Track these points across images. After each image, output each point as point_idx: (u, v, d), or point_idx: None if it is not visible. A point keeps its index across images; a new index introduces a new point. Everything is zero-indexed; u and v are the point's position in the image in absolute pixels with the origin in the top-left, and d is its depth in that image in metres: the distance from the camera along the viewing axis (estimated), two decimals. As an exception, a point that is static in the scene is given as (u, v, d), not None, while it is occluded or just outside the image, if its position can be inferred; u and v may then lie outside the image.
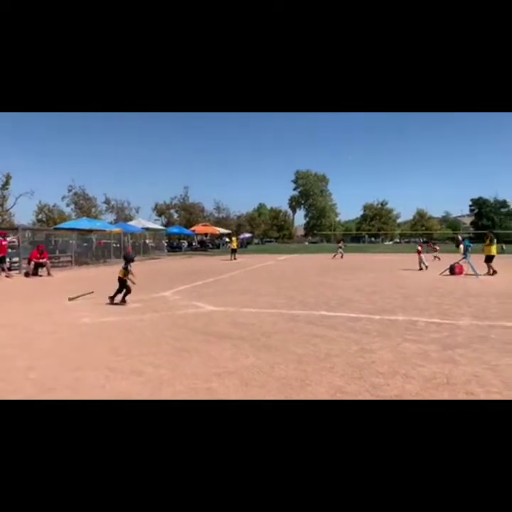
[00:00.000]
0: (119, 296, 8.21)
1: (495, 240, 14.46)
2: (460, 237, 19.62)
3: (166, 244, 36.37)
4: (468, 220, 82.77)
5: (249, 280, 13.29)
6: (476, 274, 13.10)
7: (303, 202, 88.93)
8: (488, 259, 13.83)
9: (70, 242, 21.24)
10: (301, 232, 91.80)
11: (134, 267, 8.43)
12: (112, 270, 18.29)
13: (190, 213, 59.73)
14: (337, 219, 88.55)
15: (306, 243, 73.71)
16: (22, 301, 9.18)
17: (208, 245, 44.84)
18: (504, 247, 14.87)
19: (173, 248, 39.79)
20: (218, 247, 45.70)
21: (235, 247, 26.21)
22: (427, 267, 16.01)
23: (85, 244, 23.06)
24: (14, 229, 20.18)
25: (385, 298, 9.01)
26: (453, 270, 13.93)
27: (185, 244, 45.28)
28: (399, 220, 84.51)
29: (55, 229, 26.24)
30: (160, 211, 61.83)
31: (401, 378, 3.88)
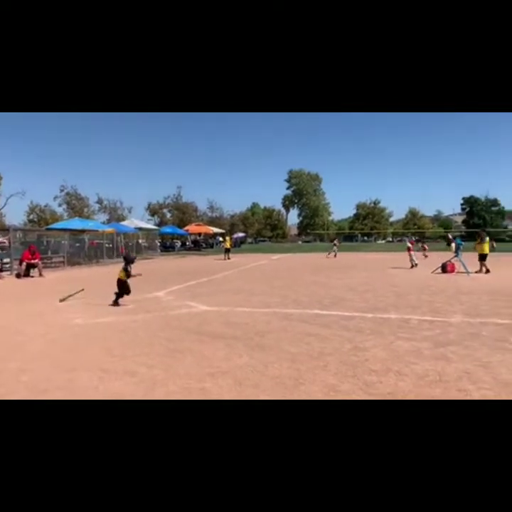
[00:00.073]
0: (126, 297, 8.15)
1: (487, 239, 14.53)
2: (450, 236, 19.78)
3: (159, 244, 36.23)
4: (460, 219, 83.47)
5: (242, 279, 13.29)
6: (468, 272, 13.22)
7: (296, 201, 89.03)
8: (482, 257, 13.95)
9: (62, 242, 21.09)
10: (294, 231, 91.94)
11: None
12: (105, 270, 18.25)
13: (184, 213, 59.61)
14: (330, 218, 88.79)
15: (300, 242, 73.80)
16: (13, 302, 9.10)
17: (201, 245, 44.73)
18: (495, 245, 14.97)
19: (167, 248, 39.67)
20: (212, 247, 45.63)
21: (229, 246, 26.19)
22: (416, 264, 16.16)
23: (78, 245, 22.91)
24: (5, 230, 20.04)
25: (378, 296, 9.06)
26: (445, 268, 14.04)
27: (178, 244, 45.16)
28: (391, 219, 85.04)
29: (47, 229, 26.05)
30: (153, 211, 61.64)
31: (394, 376, 3.91)
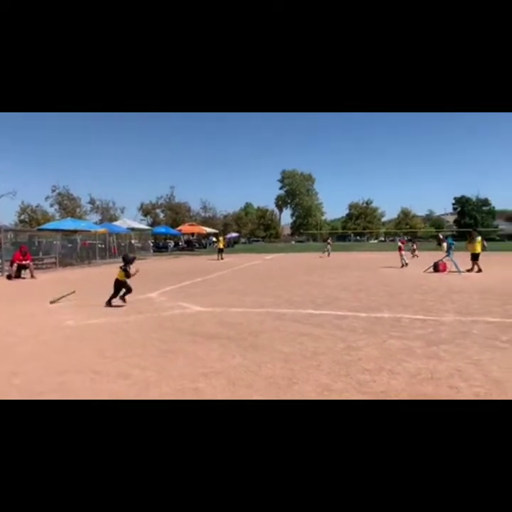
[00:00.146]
0: (114, 299, 8.09)
1: (478, 238, 14.61)
2: (441, 236, 19.94)
3: (151, 244, 36.10)
4: (451, 219, 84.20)
5: (236, 280, 13.28)
6: (459, 271, 13.34)
7: (289, 201, 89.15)
8: (474, 257, 14.07)
9: (54, 243, 20.93)
10: (287, 231, 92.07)
11: (137, 264, 8.37)
12: (98, 271, 18.15)
13: (177, 213, 59.46)
14: (323, 218, 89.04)
15: (293, 242, 73.94)
16: (4, 304, 9.01)
17: (194, 245, 44.65)
18: (486, 244, 15.09)
19: (159, 248, 39.51)
20: (205, 247, 45.56)
21: (222, 246, 26.16)
22: (406, 264, 16.29)
23: (70, 245, 22.76)
24: (-4, 230, 19.77)
25: (371, 296, 9.11)
26: (437, 268, 14.16)
27: (171, 244, 45.00)
28: (384, 219, 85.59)
29: (39, 230, 25.82)
30: (146, 211, 61.41)
31: (387, 374, 3.94)
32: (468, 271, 13.78)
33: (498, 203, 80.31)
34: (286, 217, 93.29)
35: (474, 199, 77.04)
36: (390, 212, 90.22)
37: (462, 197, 78.21)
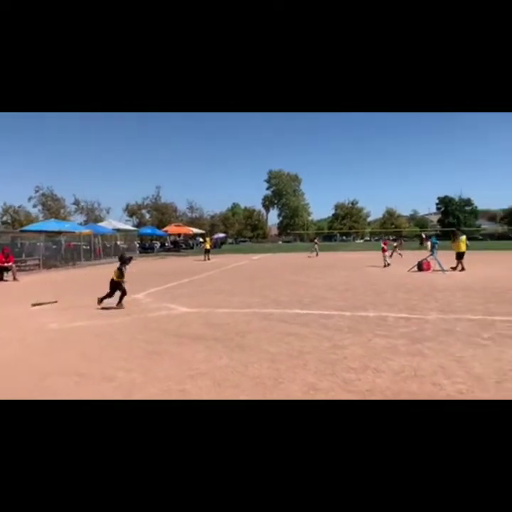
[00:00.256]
0: (108, 300, 7.98)
1: (463, 237, 14.83)
2: (424, 235, 20.25)
3: (137, 245, 35.77)
4: (435, 218, 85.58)
5: (223, 280, 13.26)
6: (443, 270, 13.56)
7: (276, 201, 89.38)
8: (458, 255, 14.31)
9: (38, 244, 20.58)
10: (274, 231, 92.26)
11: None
12: (83, 273, 17.90)
13: (163, 213, 59.06)
14: (310, 218, 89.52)
15: (280, 242, 74.10)
16: (-15, 307, 8.81)
17: (181, 246, 44.37)
18: (468, 243, 15.36)
19: (145, 249, 39.17)
20: (192, 248, 45.30)
21: (209, 247, 26.08)
22: (388, 264, 16.51)
23: (54, 247, 22.39)
24: (-24, 232, 19.34)
25: (357, 295, 9.19)
26: (420, 266, 14.37)
27: (157, 245, 44.63)
28: (369, 219, 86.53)
29: (22, 231, 25.38)
30: (131, 212, 60.87)
31: (372, 373, 3.98)
32: (452, 269, 14.02)
33: (481, 203, 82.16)
34: (273, 218, 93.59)
35: (457, 199, 78.47)
36: (375, 212, 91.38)
37: (445, 197, 79.59)
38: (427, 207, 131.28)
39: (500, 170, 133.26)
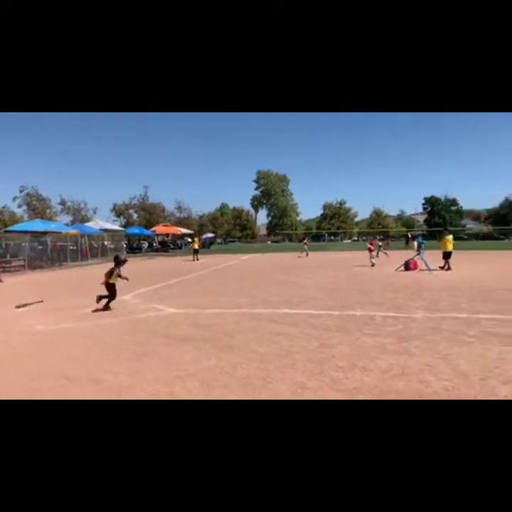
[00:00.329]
0: (103, 301, 7.89)
1: (449, 237, 14.99)
2: (410, 235, 20.53)
3: (125, 245, 35.46)
4: (421, 218, 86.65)
5: (211, 280, 13.22)
6: (429, 270, 13.74)
7: (265, 201, 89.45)
8: (445, 255, 14.48)
9: (23, 245, 20.27)
10: (263, 231, 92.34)
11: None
12: (69, 274, 17.68)
13: (151, 213, 58.59)
14: (298, 218, 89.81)
15: (269, 242, 74.15)
16: (-31, 309, 8.64)
17: (169, 246, 44.10)
18: (454, 243, 15.59)
19: (133, 249, 38.85)
20: (180, 248, 45.07)
21: (197, 247, 25.98)
22: (373, 264, 16.68)
23: (40, 247, 22.09)
24: (-41, 233, 18.97)
25: (345, 294, 9.26)
26: (407, 266, 14.53)
27: (145, 245, 44.29)
28: (357, 219, 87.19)
29: (6, 231, 24.92)
30: (119, 212, 60.24)
31: (359, 371, 4.02)
32: (441, 268, 14.19)
33: (466, 203, 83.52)
34: (262, 218, 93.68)
35: (443, 199, 79.60)
36: (362, 213, 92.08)
37: (432, 197, 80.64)
38: (413, 207, 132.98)
39: (485, 170, 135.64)
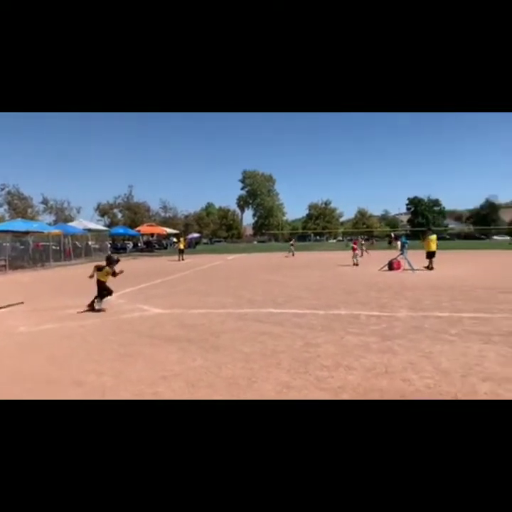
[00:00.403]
0: (107, 298, 7.79)
1: (432, 237, 15.20)
2: (393, 235, 20.82)
3: (109, 245, 35.04)
4: (405, 218, 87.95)
5: (197, 281, 13.17)
6: (413, 269, 13.94)
7: (251, 201, 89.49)
8: (429, 254, 14.69)
9: (4, 244, 19.85)
10: (249, 231, 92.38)
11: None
12: (52, 274, 17.38)
13: (135, 213, 58.05)
14: (284, 218, 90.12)
15: (255, 242, 74.25)
16: None
17: (154, 246, 43.75)
18: (437, 242, 15.85)
19: (118, 249, 38.39)
20: (165, 248, 44.75)
21: (183, 247, 25.84)
22: (355, 264, 16.88)
23: (22, 247, 21.69)
24: None
25: (330, 294, 9.33)
26: (391, 266, 14.73)
27: (130, 245, 43.84)
28: (342, 219, 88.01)
29: (-15, 231, 24.34)
30: (103, 211, 59.51)
31: (344, 370, 4.05)
32: (426, 268, 14.38)
33: (448, 204, 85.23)
34: (248, 218, 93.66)
35: (426, 200, 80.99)
36: (347, 213, 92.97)
37: (415, 198, 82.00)
38: (397, 207, 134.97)
39: (466, 171, 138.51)
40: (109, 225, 50.99)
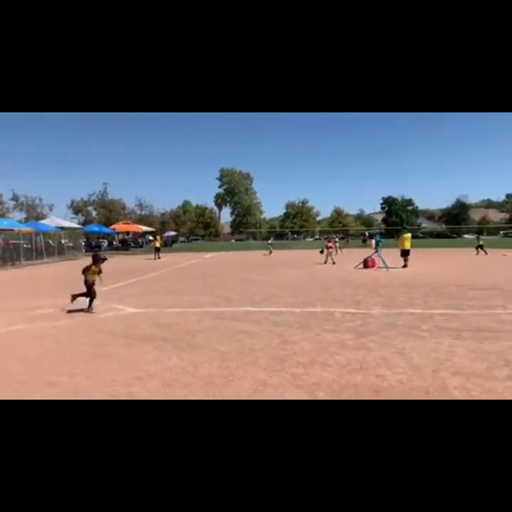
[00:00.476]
0: (84, 301, 7.54)
1: (406, 235, 15.53)
2: (367, 233, 21.23)
3: (83, 243, 34.23)
4: (380, 217, 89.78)
5: (173, 279, 13.04)
6: (386, 267, 14.24)
7: (228, 200, 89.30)
8: (403, 253, 15.00)
9: (-30, 243, 19.07)
10: (227, 229, 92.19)
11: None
12: (23, 273, 16.84)
13: (110, 211, 56.99)
14: (262, 217, 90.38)
15: (233, 241, 74.14)
16: None
17: (130, 244, 43.01)
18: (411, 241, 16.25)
19: (92, 248, 37.53)
20: (141, 246, 44.08)
21: (159, 245, 25.52)
22: (332, 262, 17.12)
23: (-10, 246, 20.89)
24: None
25: (307, 292, 9.42)
26: (366, 264, 15.00)
27: (105, 243, 42.97)
28: (318, 218, 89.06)
29: (-49, 229, 23.34)
30: (77, 209, 58.15)
31: (319, 367, 4.11)
32: (403, 267, 14.63)
33: (421, 203, 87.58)
34: (226, 216, 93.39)
35: (400, 199, 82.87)
36: (324, 212, 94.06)
37: (389, 197, 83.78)
38: (372, 206, 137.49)
39: (437, 171, 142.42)
40: (84, 223, 49.87)
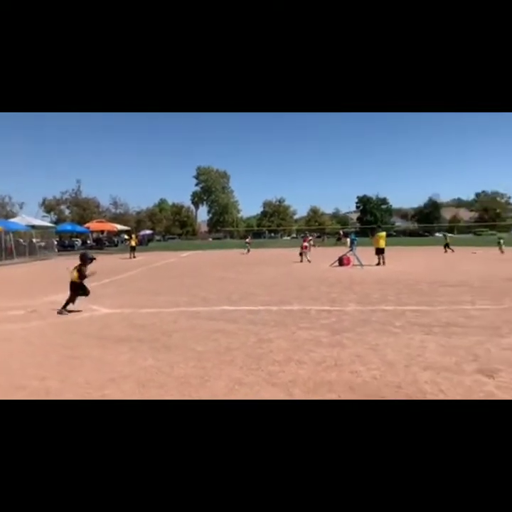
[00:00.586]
0: (77, 302, 7.32)
1: (381, 233, 15.84)
2: (342, 232, 21.59)
3: (56, 242, 33.30)
4: (355, 216, 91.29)
5: (148, 279, 12.87)
6: (361, 265, 14.50)
7: (205, 198, 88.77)
8: (378, 251, 15.29)
9: None
10: (204, 228, 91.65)
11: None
12: (-10, 274, 16.23)
13: (84, 209, 55.67)
14: (239, 215, 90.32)
15: (210, 239, 73.79)
16: None
17: (104, 243, 42.13)
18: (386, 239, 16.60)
19: (65, 247, 36.60)
20: (116, 245, 43.24)
21: (134, 244, 25.14)
22: (304, 260, 17.34)
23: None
24: None
25: (283, 290, 9.48)
26: (341, 262, 15.24)
27: (78, 242, 41.91)
28: (295, 217, 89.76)
29: None
30: (49, 207, 56.53)
31: (295, 365, 4.14)
32: (383, 265, 14.91)
33: (395, 202, 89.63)
34: (202, 214, 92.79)
35: (374, 198, 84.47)
36: (300, 211, 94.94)
37: (364, 196, 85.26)
38: (347, 205, 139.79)
39: (410, 171, 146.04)
40: (56, 222, 48.49)
